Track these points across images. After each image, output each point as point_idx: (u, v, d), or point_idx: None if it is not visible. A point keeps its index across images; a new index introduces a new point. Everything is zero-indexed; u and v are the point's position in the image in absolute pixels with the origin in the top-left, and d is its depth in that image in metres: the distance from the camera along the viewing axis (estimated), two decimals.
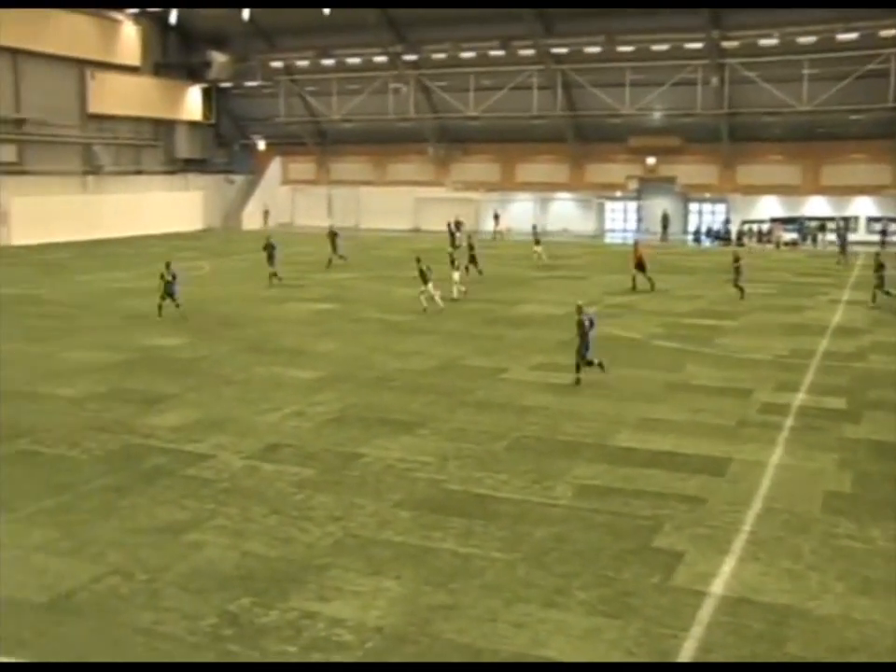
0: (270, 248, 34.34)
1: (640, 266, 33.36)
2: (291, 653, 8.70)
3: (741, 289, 31.01)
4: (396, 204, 61.21)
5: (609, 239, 58.37)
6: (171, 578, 10.21)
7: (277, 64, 60.87)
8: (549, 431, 15.86)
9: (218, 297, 31.33)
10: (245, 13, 52.97)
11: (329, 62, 58.72)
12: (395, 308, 29.00)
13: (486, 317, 27.33)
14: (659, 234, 56.51)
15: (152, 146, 61.14)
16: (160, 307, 26.67)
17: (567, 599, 9.77)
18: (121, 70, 57.21)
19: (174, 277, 26.70)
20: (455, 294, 30.27)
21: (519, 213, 60.64)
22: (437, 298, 28.12)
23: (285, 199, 66.91)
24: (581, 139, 58.62)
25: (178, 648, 8.79)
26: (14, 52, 50.30)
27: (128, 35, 57.79)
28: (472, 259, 35.48)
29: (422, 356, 22.03)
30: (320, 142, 65.34)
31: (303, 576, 10.28)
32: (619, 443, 15.18)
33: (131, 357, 21.81)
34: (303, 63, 59.94)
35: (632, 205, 60.56)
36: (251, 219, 64.29)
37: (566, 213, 61.02)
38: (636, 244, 34.81)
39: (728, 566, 10.60)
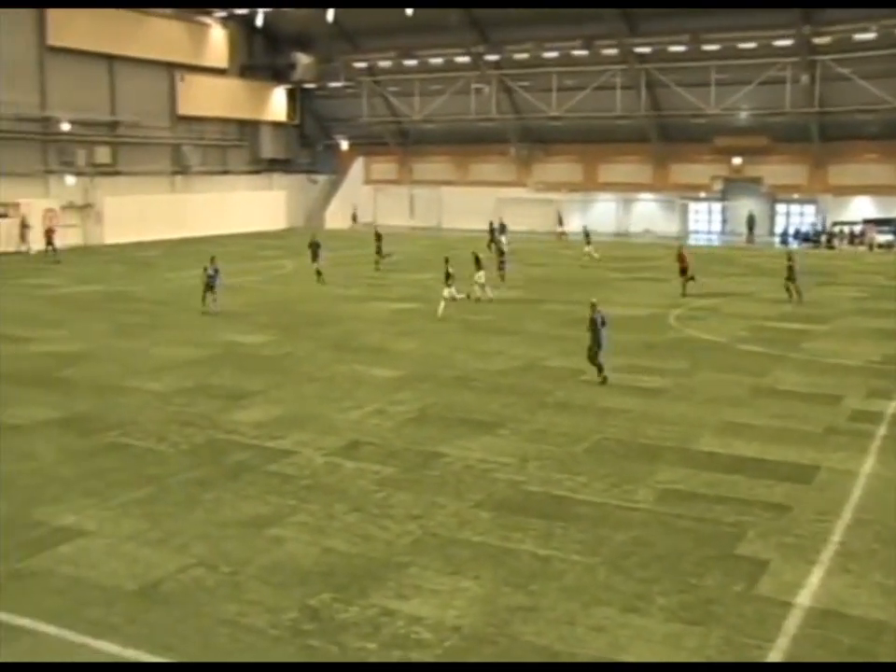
0: (315, 247, 34.91)
1: (683, 271, 32.16)
2: (371, 650, 8.78)
3: (797, 291, 30.19)
4: (477, 205, 61.21)
5: (692, 241, 57.43)
6: (253, 571, 10.40)
7: (360, 65, 61.48)
8: (630, 434, 15.69)
9: (301, 295, 31.81)
10: (330, 14, 53.68)
11: (411, 62, 59.05)
12: (475, 308, 29.01)
13: (567, 318, 27.16)
14: (745, 236, 55.41)
15: (238, 146, 62.39)
16: (203, 300, 27.63)
17: (647, 605, 9.65)
18: (209, 72, 58.59)
19: (215, 272, 27.57)
20: (478, 293, 29.68)
21: (601, 214, 60.14)
22: (441, 307, 27.21)
23: (367, 199, 67.54)
24: (665, 139, 57.83)
25: (260, 640, 8.94)
26: (110, 58, 51.91)
27: (216, 39, 59.13)
28: (500, 265, 34.82)
29: (503, 356, 22.01)
30: (402, 142, 65.78)
31: (383, 573, 10.37)
32: (701, 448, 14.93)
33: (215, 353, 22.28)
34: (386, 64, 60.42)
35: (716, 206, 59.49)
36: (334, 219, 65.05)
37: (648, 214, 60.29)
38: (680, 248, 33.62)
39: (816, 577, 10.32)
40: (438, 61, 58.24)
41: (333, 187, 67.72)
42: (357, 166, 68.38)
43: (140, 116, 53.53)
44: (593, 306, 19.27)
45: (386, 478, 13.46)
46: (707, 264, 36.52)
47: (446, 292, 27.51)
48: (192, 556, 10.76)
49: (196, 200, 56.37)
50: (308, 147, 68.16)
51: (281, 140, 65.27)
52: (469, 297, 28.80)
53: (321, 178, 67.37)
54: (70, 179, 49.45)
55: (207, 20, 58.02)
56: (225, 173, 61.16)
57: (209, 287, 27.50)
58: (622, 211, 60.14)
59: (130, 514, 11.98)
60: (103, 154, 51.91)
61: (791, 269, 30.24)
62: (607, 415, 16.84)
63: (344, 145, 66.72)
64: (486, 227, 48.62)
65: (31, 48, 47.81)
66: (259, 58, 63.01)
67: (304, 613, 9.46)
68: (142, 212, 51.31)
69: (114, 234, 49.51)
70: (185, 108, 56.93)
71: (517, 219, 59.85)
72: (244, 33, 60.89)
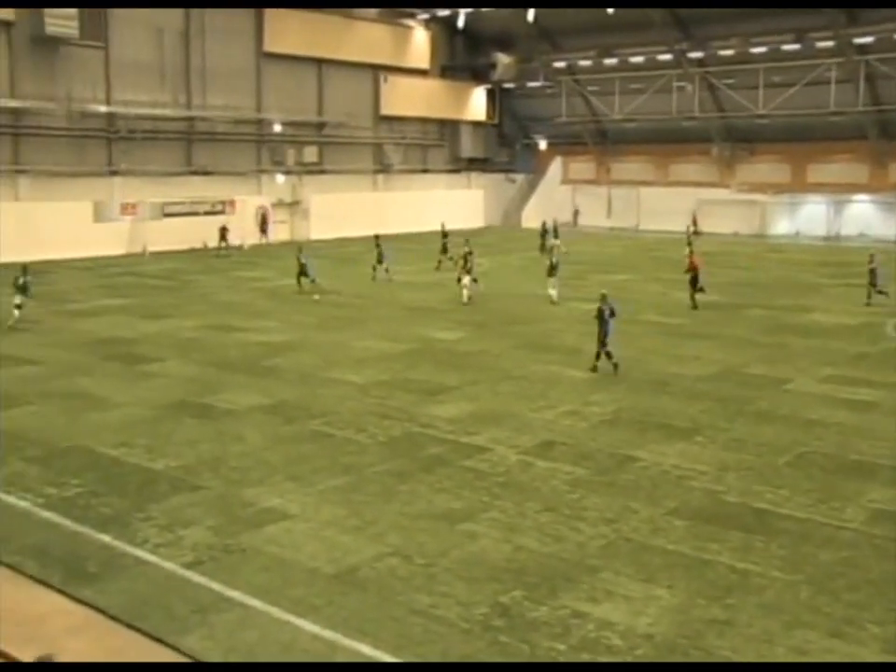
0: (455, 249, 34.74)
1: (694, 280, 28.76)
2: (560, 651, 8.75)
3: (880, 293, 28.02)
4: (677, 206, 59.70)
5: None
6: (446, 564, 10.58)
7: (560, 65, 61.27)
8: (839, 448, 14.86)
9: (497, 293, 32.08)
10: (530, 15, 53.82)
11: (611, 61, 58.28)
12: (672, 311, 28.35)
13: (769, 324, 26.07)
14: None
15: (438, 145, 63.70)
16: (298, 283, 31.53)
17: (857, 631, 9.11)
18: (411, 73, 60.12)
19: (306, 260, 31.49)
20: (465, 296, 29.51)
21: (811, 216, 57.24)
22: (465, 293, 29.14)
23: (564, 198, 67.24)
24: (886, 136, 54.26)
25: (452, 632, 9.10)
26: (319, 62, 54.28)
27: (418, 40, 60.62)
28: (551, 270, 30.36)
29: (700, 361, 21.39)
30: (600, 141, 65.08)
31: (574, 575, 10.31)
32: None
33: (413, 347, 22.85)
34: (586, 63, 59.92)
35: None
36: (531, 218, 65.18)
37: (864, 216, 56.72)
38: (691, 253, 30.13)
39: None
40: (639, 59, 57.17)
41: (531, 186, 67.91)
42: (555, 166, 68.23)
43: (345, 117, 55.68)
44: (603, 297, 20.12)
45: (579, 479, 13.37)
46: None
47: (467, 280, 29.37)
48: (388, 545, 11.08)
49: (397, 198, 58.07)
50: (506, 146, 68.67)
51: (480, 139, 66.09)
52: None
53: (519, 177, 67.73)
54: (280, 177, 52.19)
55: (410, 22, 59.56)
56: (425, 171, 62.59)
57: (303, 273, 31.49)
58: (832, 213, 56.95)
59: (330, 501, 12.48)
60: (310, 153, 54.38)
61: (872, 272, 28.05)
62: (813, 427, 16.03)
63: (543, 144, 66.73)
64: (687, 228, 47.09)
65: (249, 55, 50.75)
66: (460, 58, 64.04)
67: (495, 609, 9.54)
68: (346, 209, 53.44)
69: (319, 230, 51.79)
70: (387, 109, 58.68)
71: (719, 221, 57.98)
72: (445, 34, 62.07)
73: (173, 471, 13.60)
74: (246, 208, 49.15)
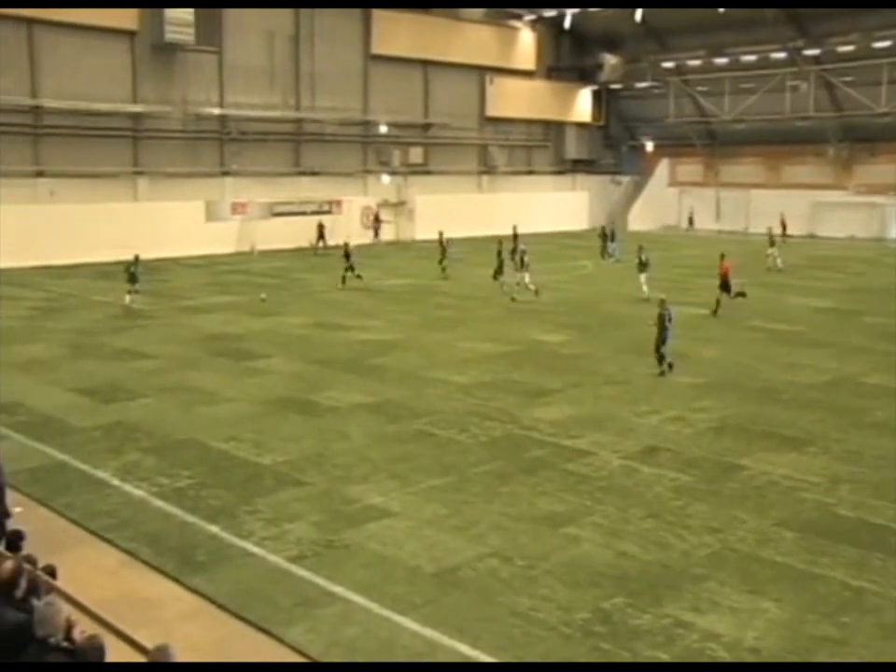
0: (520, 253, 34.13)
1: (725, 285, 27.61)
2: (663, 661, 8.60)
3: None
4: (790, 208, 57.97)
5: None
6: (547, 567, 10.53)
7: (668, 65, 60.23)
8: None
9: (601, 296, 31.82)
10: (638, 14, 53.08)
11: (721, 60, 56.95)
12: (784, 317, 27.56)
13: (887, 331, 25.08)
14: None
15: (543, 146, 63.42)
16: (343, 279, 32.72)
17: None
18: (517, 75, 59.99)
19: (348, 256, 32.83)
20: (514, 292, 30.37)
21: None
22: (525, 287, 30.06)
23: (671, 201, 66.13)
24: None
25: (551, 636, 9.05)
26: (425, 64, 54.73)
27: (524, 42, 60.46)
28: (641, 267, 31.18)
29: (812, 369, 20.74)
30: (709, 143, 63.71)
31: (678, 583, 10.13)
32: None
33: (516, 349, 22.82)
34: (695, 63, 58.71)
35: None
36: (637, 220, 64.30)
37: None
38: (722, 257, 28.50)
39: None
40: (751, 58, 55.70)
41: (637, 188, 66.95)
42: (662, 167, 67.11)
43: (450, 118, 55.97)
44: (661, 302, 20.25)
45: (684, 486, 13.13)
46: None
47: (525, 276, 30.46)
48: (488, 546, 11.09)
49: (501, 199, 58.01)
50: (612, 148, 67.95)
51: (585, 141, 65.54)
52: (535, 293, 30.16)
53: (625, 179, 66.89)
54: (386, 178, 52.84)
55: (516, 23, 59.47)
56: (530, 173, 62.43)
57: (349, 268, 32.74)
58: None
59: (431, 500, 12.56)
60: (416, 154, 54.90)
61: None
62: None
63: (649, 146, 65.74)
64: (769, 229, 44.73)
65: (357, 57, 51.49)
66: (566, 59, 63.62)
67: (597, 615, 9.44)
68: (450, 210, 53.49)
69: (424, 231, 51.98)
70: (492, 110, 58.71)
71: (834, 225, 56.11)
72: (551, 35, 61.74)
73: (278, 466, 13.91)
74: (352, 208, 49.99)
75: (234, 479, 13.37)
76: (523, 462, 14.20)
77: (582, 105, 64.72)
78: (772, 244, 39.52)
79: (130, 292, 28.76)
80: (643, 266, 30.92)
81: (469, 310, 28.94)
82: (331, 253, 44.68)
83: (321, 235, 45.96)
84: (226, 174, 46.53)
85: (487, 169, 59.18)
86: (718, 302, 27.77)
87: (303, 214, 47.42)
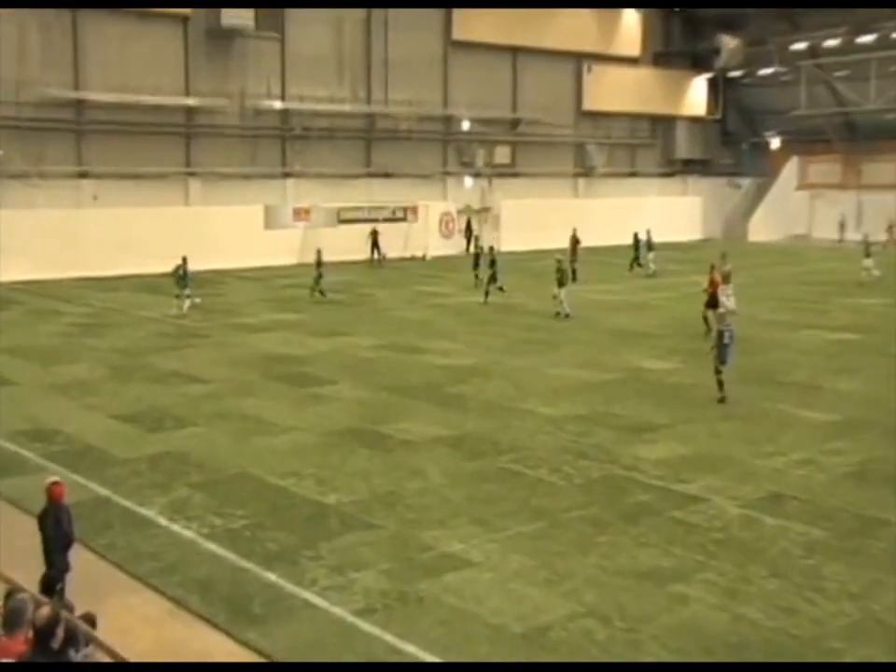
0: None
1: (713, 301, 25.69)
2: None
3: None
4: None
5: None
6: (651, 631, 10.43)
7: (799, 46, 59.32)
8: None
9: None
10: None
11: (867, 38, 55.72)
12: None
13: None
14: None
15: (648, 145, 63.14)
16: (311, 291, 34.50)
17: None
18: (619, 62, 59.79)
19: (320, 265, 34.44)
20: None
21: None
22: (564, 304, 30.58)
23: (800, 206, 65.06)
24: None
25: None
26: (514, 51, 55.01)
27: (628, 24, 60.25)
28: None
29: None
30: (849, 137, 62.48)
31: (810, 657, 9.91)
32: None
33: (616, 377, 22.70)
34: (832, 43, 57.72)
35: None
36: (759, 230, 63.36)
37: None
38: (712, 268, 27.84)
39: None
40: None
41: (759, 192, 66.04)
42: (790, 168, 66.05)
43: (542, 112, 55.99)
44: (721, 317, 20.71)
45: (816, 542, 12.87)
46: None
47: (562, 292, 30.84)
48: (583, 604, 11.04)
49: (599, 205, 57.77)
50: (730, 145, 67.22)
51: (698, 137, 65.00)
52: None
53: (745, 182, 66.07)
54: (468, 181, 53.16)
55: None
56: (632, 175, 62.20)
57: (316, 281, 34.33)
58: None
59: (518, 549, 12.56)
60: (502, 154, 55.18)
61: None
62: None
63: (775, 142, 64.71)
64: (865, 236, 42.89)
65: (437, 44, 52.03)
66: (676, 44, 63.34)
67: None
68: (540, 217, 53.47)
69: (510, 241, 51.84)
70: (590, 103, 58.64)
71: None
72: (659, 15, 61.58)
73: (344, 506, 14.08)
74: (430, 215, 50.27)
75: (295, 520, 13.58)
76: (623, 508, 14.11)
77: (695, 97, 64.29)
78: (868, 254, 38.86)
79: (178, 297, 30.61)
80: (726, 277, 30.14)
81: (560, 331, 28.91)
82: (385, 265, 45.05)
83: (375, 244, 46.37)
84: (287, 175, 47.48)
85: (584, 171, 59.19)
86: (706, 321, 26.88)
87: (374, 221, 48.01)
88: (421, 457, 16.46)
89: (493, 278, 33.91)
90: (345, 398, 20.74)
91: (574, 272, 37.49)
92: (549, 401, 20.34)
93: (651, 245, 43.08)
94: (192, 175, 44.76)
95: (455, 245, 52.09)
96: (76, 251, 39.66)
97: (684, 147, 64.42)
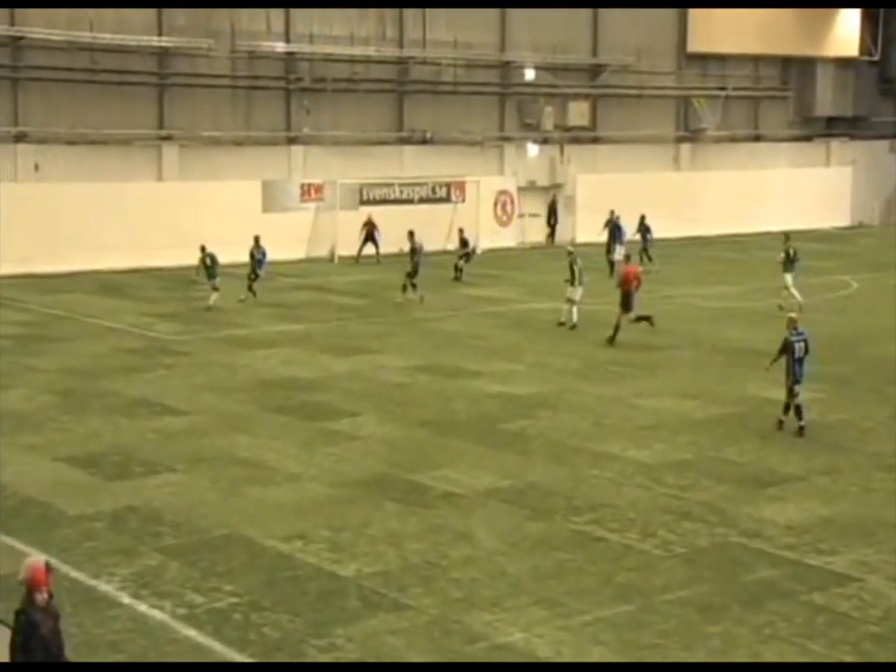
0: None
1: (626, 301, 28.78)
2: None
3: None
4: None
5: None
6: None
7: None
8: None
9: (871, 331, 31.18)
10: None
11: None
12: None
13: None
14: None
15: (777, 97, 62.42)
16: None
17: None
18: None
19: (263, 255, 36.37)
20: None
21: None
22: (573, 313, 31.36)
23: None
24: None
25: None
26: None
27: None
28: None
29: None
30: None
31: None
32: None
33: (731, 411, 22.70)
34: None
35: None
36: None
37: None
38: (627, 258, 30.80)
39: None
40: None
41: None
42: None
43: (633, 57, 55.42)
44: (790, 321, 21.45)
45: None
46: None
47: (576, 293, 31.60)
48: None
49: (710, 180, 57.42)
50: (893, 96, 66.42)
51: (847, 87, 64.20)
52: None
53: None
54: (533, 149, 52.98)
55: None
56: (756, 139, 61.71)
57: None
58: None
59: (599, 640, 12.55)
60: (579, 113, 54.69)
61: None
62: None
63: None
64: None
65: None
66: None
67: None
68: (628, 197, 52.40)
69: (587, 228, 51.08)
70: (697, 43, 58.11)
71: None
72: None
73: (367, 580, 14.13)
74: (481, 194, 49.87)
75: (302, 598, 13.63)
76: (742, 588, 14.06)
77: (843, 31, 63.51)
78: None
79: (215, 288, 34.12)
80: (790, 263, 33.23)
81: (657, 350, 28.86)
82: (383, 262, 44.29)
83: (370, 237, 45.73)
84: (293, 141, 47.48)
85: (689, 134, 58.78)
86: (617, 327, 29.16)
87: (409, 202, 47.89)
88: (469, 516, 16.49)
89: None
90: (369, 436, 20.83)
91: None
92: (639, 443, 20.33)
93: (648, 230, 44.65)
94: (167, 139, 44.77)
95: (513, 235, 51.85)
96: (8, 238, 39.00)
97: (827, 100, 63.65)
